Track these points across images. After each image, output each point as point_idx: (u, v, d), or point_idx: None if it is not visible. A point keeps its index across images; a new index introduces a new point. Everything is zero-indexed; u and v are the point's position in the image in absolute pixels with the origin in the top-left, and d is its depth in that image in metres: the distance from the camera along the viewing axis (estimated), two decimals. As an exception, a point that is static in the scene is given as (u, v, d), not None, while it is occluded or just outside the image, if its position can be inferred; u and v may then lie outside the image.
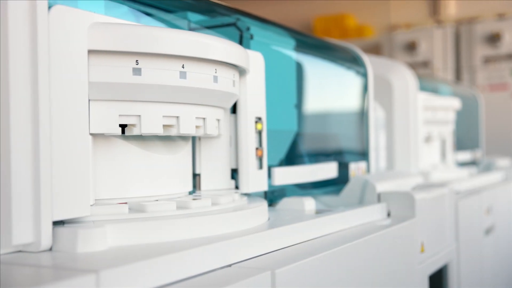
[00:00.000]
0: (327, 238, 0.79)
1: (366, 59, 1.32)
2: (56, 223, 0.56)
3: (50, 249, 0.56)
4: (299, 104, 1.06)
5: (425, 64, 3.33)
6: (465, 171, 1.67)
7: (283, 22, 1.10)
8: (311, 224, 0.78)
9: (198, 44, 0.65)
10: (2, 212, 0.52)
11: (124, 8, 0.77)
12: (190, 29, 0.87)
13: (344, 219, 0.87)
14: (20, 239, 0.53)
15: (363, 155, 1.28)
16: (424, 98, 1.56)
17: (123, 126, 0.65)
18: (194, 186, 0.84)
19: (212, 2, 0.92)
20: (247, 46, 0.91)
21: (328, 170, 1.10)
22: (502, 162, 2.03)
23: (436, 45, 3.32)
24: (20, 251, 0.55)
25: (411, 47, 3.38)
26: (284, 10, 4.05)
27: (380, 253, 0.86)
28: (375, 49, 3.49)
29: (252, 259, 0.64)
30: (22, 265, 0.51)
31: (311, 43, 1.21)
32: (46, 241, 0.54)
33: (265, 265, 0.61)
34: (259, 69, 0.85)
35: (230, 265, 0.61)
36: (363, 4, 3.86)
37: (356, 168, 1.21)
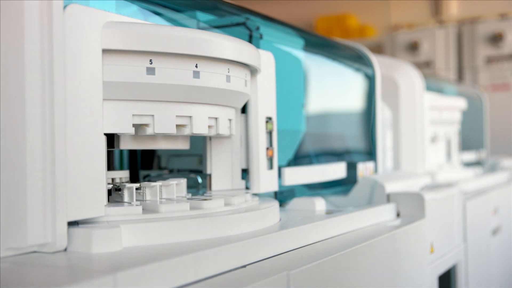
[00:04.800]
0: (339, 238, 0.79)
1: (374, 59, 1.31)
2: (70, 224, 0.56)
3: (65, 250, 0.55)
4: (307, 104, 1.06)
5: (427, 64, 3.32)
6: (470, 172, 1.67)
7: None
8: (323, 224, 0.78)
9: (212, 43, 0.65)
10: (17, 212, 0.51)
11: (134, 7, 0.77)
12: (199, 29, 0.87)
13: (355, 220, 0.87)
14: (35, 240, 0.52)
15: (371, 155, 1.27)
16: (430, 98, 1.56)
17: (136, 126, 0.65)
18: (205, 186, 0.83)
19: (221, 1, 0.92)
20: (257, 46, 0.90)
21: (337, 170, 1.09)
22: (507, 162, 2.02)
23: (438, 45, 3.32)
24: (35, 252, 0.54)
25: (413, 47, 3.38)
26: (286, 10, 4.04)
27: (392, 254, 0.86)
28: (377, 49, 3.49)
29: (267, 260, 0.64)
30: (38, 266, 0.50)
31: (319, 42, 1.20)
32: (61, 241, 0.54)
33: (280, 266, 0.61)
34: (270, 69, 0.84)
35: (245, 266, 0.61)
36: (365, 4, 3.86)
37: (364, 168, 1.21)
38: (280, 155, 0.90)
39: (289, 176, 0.94)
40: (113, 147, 0.67)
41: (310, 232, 0.74)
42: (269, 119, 0.84)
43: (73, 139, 0.55)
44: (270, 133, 0.84)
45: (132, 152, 0.99)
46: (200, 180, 0.85)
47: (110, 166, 0.71)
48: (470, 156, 1.96)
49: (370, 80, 1.29)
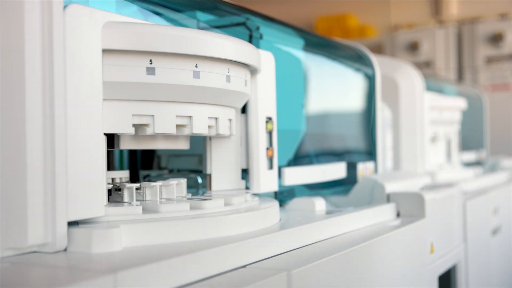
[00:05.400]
0: (340, 238, 0.79)
1: (374, 59, 1.31)
2: (70, 224, 0.56)
3: (65, 250, 0.55)
4: (307, 104, 1.06)
5: (427, 64, 3.33)
6: (470, 171, 1.67)
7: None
8: (323, 224, 0.78)
9: (212, 43, 0.65)
10: (17, 212, 0.51)
11: (134, 7, 0.77)
12: (199, 29, 0.87)
13: (355, 220, 0.87)
14: (35, 240, 0.52)
15: (371, 155, 1.27)
16: (430, 98, 1.56)
17: (136, 126, 0.65)
18: (205, 186, 0.83)
19: (221, 1, 0.92)
20: (257, 46, 0.90)
21: (337, 170, 1.09)
22: (507, 162, 2.02)
23: (438, 45, 3.32)
24: (35, 252, 0.54)
25: (413, 47, 3.38)
26: (286, 10, 4.04)
27: (392, 254, 0.86)
28: (377, 49, 3.49)
29: (267, 260, 0.64)
30: (38, 266, 0.50)
31: (320, 42, 1.21)
32: (61, 241, 0.54)
33: (281, 265, 0.61)
34: (270, 69, 0.84)
35: (245, 266, 0.61)
36: (365, 4, 3.86)
37: (364, 168, 1.21)
38: (280, 155, 0.90)
39: (289, 176, 0.94)
40: (113, 147, 0.67)
41: (310, 232, 0.74)
42: (269, 119, 0.84)
43: (73, 139, 0.55)
44: (270, 133, 0.85)
45: (132, 152, 0.99)
46: (200, 180, 0.85)
47: (110, 166, 0.71)
48: (470, 156, 1.96)
49: (370, 80, 1.29)
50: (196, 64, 0.65)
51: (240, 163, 0.82)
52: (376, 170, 1.28)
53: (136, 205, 0.64)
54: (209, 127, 0.71)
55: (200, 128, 0.68)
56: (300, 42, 1.05)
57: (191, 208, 0.66)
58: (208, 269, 0.56)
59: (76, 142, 0.56)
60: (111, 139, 0.67)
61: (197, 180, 0.85)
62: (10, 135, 0.51)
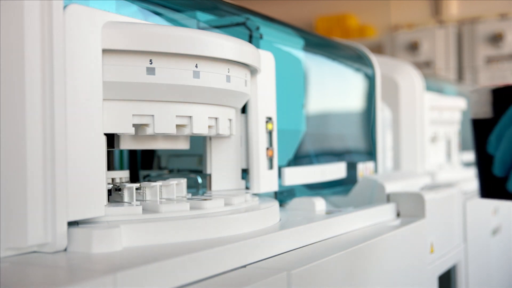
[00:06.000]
0: (339, 238, 0.79)
1: (374, 59, 1.31)
2: (70, 224, 0.56)
3: (65, 250, 0.55)
4: (307, 104, 1.06)
5: (427, 64, 3.33)
6: (470, 171, 1.67)
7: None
8: (323, 224, 0.78)
9: (212, 43, 0.65)
10: (17, 212, 0.51)
11: (134, 7, 0.77)
12: (199, 29, 0.87)
13: (355, 220, 0.87)
14: (35, 240, 0.52)
15: (371, 155, 1.27)
16: (430, 98, 1.56)
17: (136, 126, 0.65)
18: (205, 186, 0.83)
19: (221, 1, 0.92)
20: (257, 46, 0.90)
21: (337, 170, 1.09)
22: (507, 162, 2.02)
23: (438, 45, 3.33)
24: (35, 252, 0.54)
25: (413, 47, 3.38)
26: (286, 10, 4.05)
27: (392, 254, 0.86)
28: (377, 49, 3.49)
29: (266, 260, 0.64)
30: (38, 266, 0.50)
31: (320, 43, 1.21)
32: (61, 241, 0.54)
33: (280, 265, 0.61)
34: (270, 69, 0.85)
35: (245, 266, 0.61)
36: (365, 4, 3.86)
37: (364, 168, 1.21)
38: (280, 155, 0.90)
39: (289, 176, 0.94)
40: (113, 147, 0.67)
41: (310, 232, 0.74)
42: (269, 119, 0.84)
43: (73, 139, 0.55)
44: (270, 133, 0.85)
45: (132, 152, 0.99)
46: (200, 180, 0.85)
47: (110, 166, 0.71)
48: (470, 156, 1.96)
49: (370, 80, 1.29)
50: (196, 64, 0.65)
51: (240, 163, 0.83)
52: (376, 170, 1.28)
53: (136, 205, 0.64)
54: (209, 127, 0.71)
55: (200, 128, 0.68)
56: (300, 42, 1.05)
57: (191, 208, 0.66)
58: (208, 269, 0.56)
59: (76, 142, 0.56)
60: (111, 139, 0.67)
61: (197, 180, 0.85)
62: (10, 135, 0.51)
